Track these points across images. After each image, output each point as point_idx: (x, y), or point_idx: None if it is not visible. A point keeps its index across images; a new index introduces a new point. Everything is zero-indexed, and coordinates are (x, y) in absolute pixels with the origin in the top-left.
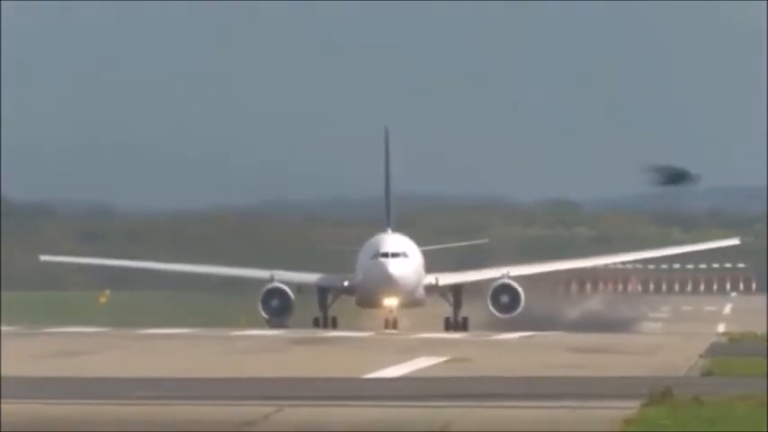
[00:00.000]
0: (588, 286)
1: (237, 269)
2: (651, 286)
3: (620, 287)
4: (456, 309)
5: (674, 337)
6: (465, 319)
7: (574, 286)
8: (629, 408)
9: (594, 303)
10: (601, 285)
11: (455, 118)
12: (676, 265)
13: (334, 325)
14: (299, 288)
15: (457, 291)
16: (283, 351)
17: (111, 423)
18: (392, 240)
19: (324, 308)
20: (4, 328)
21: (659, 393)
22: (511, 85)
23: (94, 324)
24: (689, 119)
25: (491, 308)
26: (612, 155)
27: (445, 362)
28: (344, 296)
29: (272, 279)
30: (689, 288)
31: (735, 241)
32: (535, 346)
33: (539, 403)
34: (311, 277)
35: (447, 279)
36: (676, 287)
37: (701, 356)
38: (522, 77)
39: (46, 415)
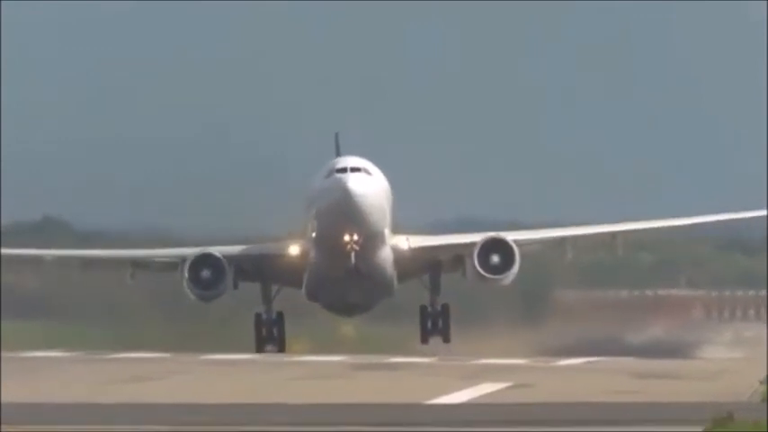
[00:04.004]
0: (651, 312)
1: (148, 250)
2: (714, 312)
3: (683, 313)
4: (433, 294)
5: (737, 363)
6: (445, 307)
7: (637, 311)
8: None
9: (657, 329)
10: (663, 311)
11: (510, 141)
12: (739, 292)
13: (281, 321)
14: (235, 284)
15: (435, 269)
16: (345, 377)
17: None
18: (351, 158)
19: (267, 298)
20: (62, 354)
21: (722, 418)
22: (564, 111)
23: (154, 349)
24: (750, 141)
25: (478, 268)
26: (671, 179)
27: (508, 388)
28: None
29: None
30: (751, 313)
31: (761, 212)
32: (598, 371)
33: (602, 428)
34: (247, 248)
35: (420, 241)
36: (738, 313)
37: (761, 382)
38: (565, 99)
39: None
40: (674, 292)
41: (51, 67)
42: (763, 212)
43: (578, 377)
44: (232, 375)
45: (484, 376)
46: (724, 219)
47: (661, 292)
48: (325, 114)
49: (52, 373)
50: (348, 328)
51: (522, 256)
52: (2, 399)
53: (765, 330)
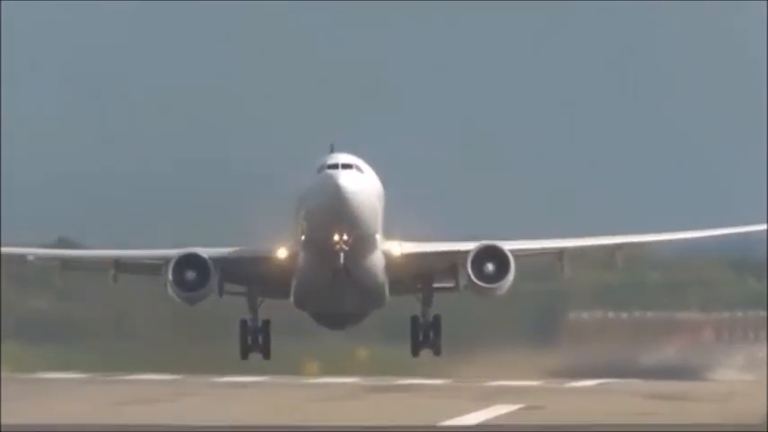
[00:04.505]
0: (662, 334)
1: (130, 250)
2: (725, 334)
3: (695, 335)
4: (425, 304)
5: (748, 385)
6: (436, 318)
7: (649, 333)
8: None
9: (669, 351)
10: (675, 333)
11: (527, 160)
12: (750, 313)
13: (267, 329)
14: (221, 289)
15: (427, 278)
16: (358, 399)
17: None
18: (343, 155)
19: (254, 305)
20: (78, 376)
21: None
22: (577, 129)
23: (164, 371)
24: (751, 156)
25: (472, 276)
26: (686, 199)
27: (520, 409)
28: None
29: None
30: (763, 335)
31: (762, 227)
32: (610, 393)
33: None
34: (235, 251)
35: (413, 248)
36: (750, 335)
37: None
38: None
39: None
40: (685, 314)
41: (52, 79)
42: (763, 227)
43: (590, 399)
44: (244, 397)
45: (496, 398)
46: (723, 233)
47: (672, 314)
48: (323, 124)
49: (62, 395)
50: (361, 349)
51: (530, 275)
52: (13, 420)
53: (766, 352)
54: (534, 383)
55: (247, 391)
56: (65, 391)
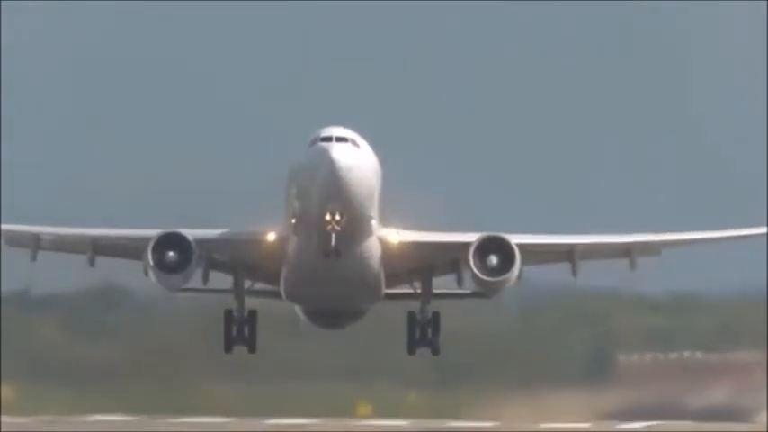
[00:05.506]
0: (713, 375)
1: (109, 230)
2: None
3: (744, 376)
4: (423, 300)
5: None
6: (435, 316)
7: (699, 375)
8: None
9: (719, 393)
10: (724, 374)
11: (537, 159)
12: None
13: (253, 321)
14: (206, 276)
15: (426, 272)
16: None
17: None
18: (338, 129)
19: (240, 294)
20: (124, 418)
21: None
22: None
23: (218, 414)
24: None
25: (474, 269)
26: (735, 243)
27: None
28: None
29: None
30: None
31: (762, 230)
32: None
33: None
34: (222, 234)
35: (411, 236)
36: None
37: None
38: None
39: None
40: (736, 355)
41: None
42: (762, 230)
43: None
44: None
45: None
46: (724, 236)
47: (723, 355)
48: (321, 115)
49: None
50: (411, 393)
51: (580, 319)
52: None
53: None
54: (584, 426)
55: None
56: None
